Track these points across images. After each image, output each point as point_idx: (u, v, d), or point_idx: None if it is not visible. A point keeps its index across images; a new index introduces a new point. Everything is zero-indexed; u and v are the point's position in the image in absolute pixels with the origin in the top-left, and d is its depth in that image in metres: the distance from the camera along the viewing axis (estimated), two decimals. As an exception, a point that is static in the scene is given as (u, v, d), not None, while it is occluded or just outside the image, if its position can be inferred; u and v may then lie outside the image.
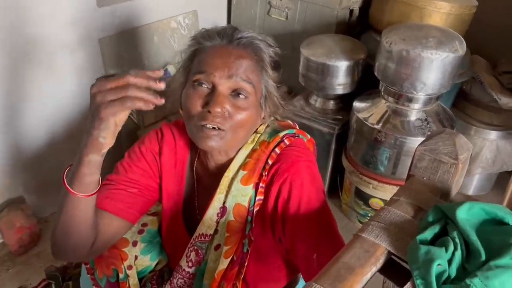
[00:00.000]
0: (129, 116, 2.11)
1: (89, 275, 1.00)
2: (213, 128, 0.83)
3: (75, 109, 1.86)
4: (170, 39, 2.10)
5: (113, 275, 0.95)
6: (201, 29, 0.91)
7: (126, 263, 0.96)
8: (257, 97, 0.87)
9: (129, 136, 2.03)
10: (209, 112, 0.82)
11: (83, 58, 1.79)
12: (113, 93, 0.68)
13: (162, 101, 0.71)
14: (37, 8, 1.57)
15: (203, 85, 0.84)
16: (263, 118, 0.93)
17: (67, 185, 0.75)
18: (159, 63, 2.09)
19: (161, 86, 0.71)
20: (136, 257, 0.99)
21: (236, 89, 0.84)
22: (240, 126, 0.86)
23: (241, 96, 0.84)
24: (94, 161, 0.72)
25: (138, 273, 1.00)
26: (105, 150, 0.73)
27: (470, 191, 2.26)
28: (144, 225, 1.02)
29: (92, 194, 0.76)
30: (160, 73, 0.73)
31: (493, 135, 2.07)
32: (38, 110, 1.74)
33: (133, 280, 0.98)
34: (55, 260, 1.72)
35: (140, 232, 1.01)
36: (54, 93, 1.76)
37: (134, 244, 0.99)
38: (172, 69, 2.12)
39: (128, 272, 0.95)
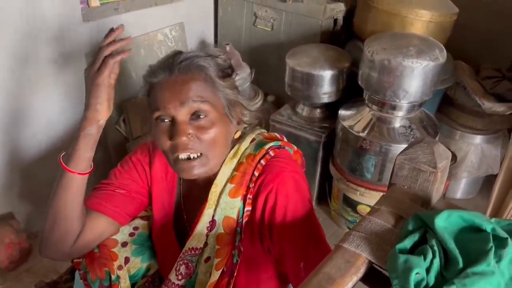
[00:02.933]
0: (117, 129, 2.12)
1: (82, 280, 1.00)
2: (188, 158, 0.86)
3: (63, 124, 1.86)
4: (157, 51, 2.11)
5: (106, 278, 0.96)
6: (148, 66, 0.95)
7: (116, 263, 0.96)
8: (218, 111, 0.89)
9: (118, 148, 2.04)
10: (177, 143, 0.85)
11: (69, 73, 1.79)
12: (97, 62, 0.82)
13: (130, 41, 0.87)
14: (22, 24, 1.57)
15: (165, 120, 0.87)
16: (238, 124, 0.95)
17: (62, 163, 0.85)
18: (147, 76, 2.10)
19: (121, 31, 0.86)
20: (128, 260, 0.99)
21: (194, 112, 0.86)
22: (213, 143, 0.88)
23: (201, 116, 0.87)
24: (91, 134, 0.84)
25: (131, 277, 1.00)
26: (102, 121, 0.85)
27: (458, 195, 2.29)
28: (136, 228, 1.03)
29: (85, 173, 0.87)
30: (120, 27, 0.87)
31: (477, 139, 2.11)
32: (26, 126, 1.73)
33: (125, 282, 0.98)
34: (46, 276, 1.71)
35: (131, 235, 1.02)
36: (42, 108, 1.76)
37: (124, 245, 0.99)
38: (159, 81, 2.13)
39: (119, 272, 0.96)
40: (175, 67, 0.88)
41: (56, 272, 1.70)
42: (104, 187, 0.98)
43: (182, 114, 0.86)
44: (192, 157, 0.87)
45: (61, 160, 0.86)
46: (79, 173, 0.86)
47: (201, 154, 0.87)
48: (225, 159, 0.94)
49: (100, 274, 0.94)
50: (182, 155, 0.86)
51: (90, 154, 0.86)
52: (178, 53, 0.92)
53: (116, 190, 0.97)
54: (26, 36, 1.60)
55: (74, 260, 0.98)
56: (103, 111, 0.84)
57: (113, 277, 0.96)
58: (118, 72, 0.86)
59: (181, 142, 0.85)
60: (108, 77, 0.83)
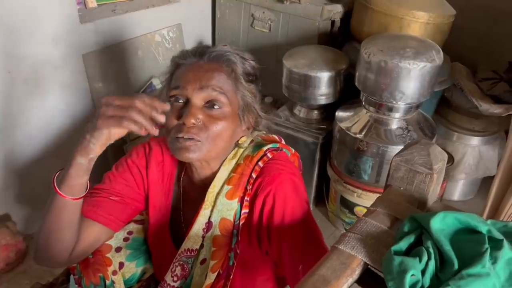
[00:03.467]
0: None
1: (77, 285, 1.00)
2: (188, 139, 0.85)
3: (60, 125, 1.85)
4: (154, 52, 2.11)
5: (101, 284, 0.96)
6: (180, 50, 0.95)
7: (110, 269, 0.96)
8: (233, 108, 0.89)
9: (115, 150, 2.03)
10: (184, 124, 0.84)
11: (67, 74, 1.79)
12: (116, 109, 0.74)
13: (157, 132, 0.76)
14: (19, 26, 1.57)
15: (179, 100, 0.87)
16: (247, 129, 0.95)
17: (56, 186, 0.80)
18: (144, 77, 2.10)
19: (162, 119, 0.75)
20: (122, 265, 0.99)
21: (209, 100, 0.87)
22: (217, 136, 0.88)
23: (215, 107, 0.87)
24: (81, 164, 0.78)
25: (126, 281, 1.00)
26: (92, 156, 0.78)
27: (455, 197, 2.29)
28: (130, 233, 1.03)
29: (78, 198, 0.81)
30: (167, 107, 0.77)
31: (475, 140, 2.11)
32: (23, 127, 1.73)
33: (119, 286, 0.98)
34: (42, 278, 1.70)
35: (126, 239, 1.01)
36: (39, 110, 1.75)
37: (118, 250, 0.99)
38: (157, 82, 2.13)
39: (113, 278, 0.96)
40: (206, 54, 0.90)
41: (52, 274, 1.69)
42: (97, 194, 0.96)
43: (198, 98, 0.86)
44: (190, 139, 0.86)
45: (55, 182, 0.81)
46: (72, 198, 0.81)
47: (199, 140, 0.86)
48: (224, 160, 0.94)
49: (94, 279, 0.94)
50: (183, 135, 0.85)
51: (82, 181, 0.80)
52: (210, 46, 0.94)
53: (110, 197, 0.96)
54: (22, 36, 1.60)
55: (69, 266, 0.98)
56: (94, 150, 0.77)
57: (107, 282, 0.96)
58: (118, 136, 0.77)
59: (189, 124, 0.84)
60: (109, 129, 0.74)
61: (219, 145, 0.89)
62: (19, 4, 1.54)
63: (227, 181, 0.92)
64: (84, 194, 0.82)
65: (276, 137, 1.02)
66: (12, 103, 1.66)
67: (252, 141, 0.98)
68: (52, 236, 0.85)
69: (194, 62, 0.90)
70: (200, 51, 0.91)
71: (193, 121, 0.84)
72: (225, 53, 0.91)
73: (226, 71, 0.90)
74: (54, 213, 0.82)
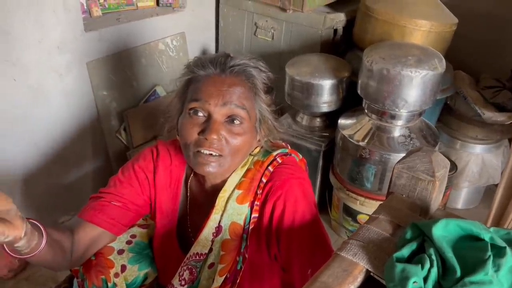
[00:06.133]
0: (118, 137, 2.12)
1: None
2: (210, 154, 0.86)
3: (64, 133, 1.86)
4: (158, 60, 2.12)
5: (103, 286, 0.96)
6: (195, 57, 0.95)
7: (112, 271, 0.96)
8: (251, 121, 0.91)
9: (119, 157, 2.04)
10: (206, 139, 0.85)
11: (71, 82, 1.80)
12: None
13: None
14: (25, 33, 1.59)
15: (199, 114, 0.87)
16: (258, 140, 0.96)
17: (10, 253, 0.74)
18: (148, 85, 2.11)
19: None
20: (124, 267, 0.99)
21: (230, 115, 0.87)
22: (237, 151, 0.89)
23: (236, 122, 0.88)
24: (20, 246, 0.71)
25: (128, 285, 1.00)
26: (19, 237, 0.68)
27: (459, 205, 2.28)
28: (133, 236, 1.04)
29: (39, 251, 0.75)
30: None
31: (478, 149, 2.11)
32: (27, 134, 1.74)
33: None
34: (44, 284, 1.71)
35: (128, 242, 1.02)
36: (43, 117, 1.77)
37: (120, 252, 0.99)
38: (160, 90, 2.14)
39: (115, 280, 0.96)
40: (228, 67, 0.89)
41: (54, 281, 1.70)
42: (100, 197, 0.97)
43: (220, 114, 0.87)
44: (213, 155, 0.87)
45: (5, 247, 0.73)
46: (32, 255, 0.75)
47: (221, 155, 0.87)
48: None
49: (96, 282, 0.94)
50: (206, 151, 0.86)
51: (34, 243, 0.73)
52: (229, 55, 0.93)
53: (112, 202, 0.96)
54: (28, 44, 1.61)
55: (72, 268, 0.98)
56: (14, 239, 0.68)
57: (109, 284, 0.96)
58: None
59: (211, 140, 0.85)
60: None
61: (239, 158, 0.92)
62: (25, 12, 1.56)
63: (238, 185, 0.93)
64: (42, 246, 0.76)
65: (283, 143, 1.03)
66: (17, 111, 1.67)
67: (261, 147, 0.99)
68: (44, 265, 0.85)
69: (215, 75, 0.89)
70: (221, 63, 0.90)
71: (215, 137, 0.85)
72: (247, 67, 0.91)
73: (247, 85, 0.90)
74: (32, 261, 0.79)
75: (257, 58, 0.96)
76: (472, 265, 0.59)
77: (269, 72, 0.96)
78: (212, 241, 0.93)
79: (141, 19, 1.99)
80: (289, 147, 1.04)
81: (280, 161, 0.95)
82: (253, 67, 0.92)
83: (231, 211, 0.92)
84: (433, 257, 0.61)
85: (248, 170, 0.95)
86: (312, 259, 0.86)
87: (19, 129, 1.70)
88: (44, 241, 0.76)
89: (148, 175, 1.00)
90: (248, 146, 0.92)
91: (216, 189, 0.95)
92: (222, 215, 0.92)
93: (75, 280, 1.02)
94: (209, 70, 0.90)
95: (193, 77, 0.91)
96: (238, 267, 0.90)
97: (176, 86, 0.97)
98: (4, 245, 0.73)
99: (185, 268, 0.95)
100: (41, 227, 0.77)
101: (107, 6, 1.97)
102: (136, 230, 1.05)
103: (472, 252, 0.61)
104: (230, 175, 0.94)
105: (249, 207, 0.91)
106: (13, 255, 0.75)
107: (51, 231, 0.81)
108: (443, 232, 0.64)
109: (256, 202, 0.91)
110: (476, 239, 0.63)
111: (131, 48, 1.99)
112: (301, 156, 1.04)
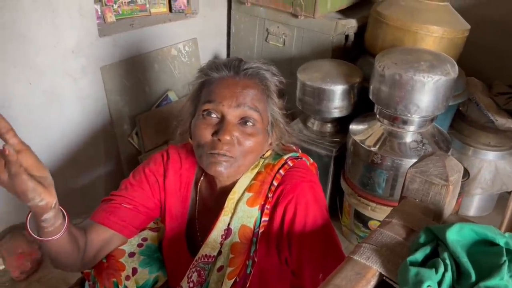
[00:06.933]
0: (130, 142, 2.13)
1: None
2: (223, 154, 0.87)
3: (77, 136, 1.89)
4: (170, 66, 2.15)
5: None
6: (208, 60, 0.96)
7: (123, 274, 0.97)
8: (263, 124, 0.91)
9: (130, 161, 2.06)
10: (219, 140, 0.86)
11: (85, 86, 1.83)
12: None
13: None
14: (41, 38, 1.62)
15: (212, 115, 0.88)
16: (270, 144, 0.96)
17: (32, 233, 0.77)
18: (160, 90, 2.13)
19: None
20: (135, 270, 1.00)
21: (243, 117, 0.88)
22: (249, 152, 0.90)
23: (248, 123, 0.89)
24: (48, 218, 0.73)
25: None
26: (51, 205, 0.71)
27: (471, 212, 2.25)
28: (144, 239, 1.04)
29: (60, 236, 0.78)
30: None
31: (491, 155, 2.08)
32: (41, 137, 1.77)
33: None
34: (56, 287, 1.72)
35: (140, 245, 1.02)
36: (58, 121, 1.79)
37: (131, 255, 1.00)
38: (172, 95, 2.16)
39: (126, 283, 0.96)
40: (241, 70, 0.91)
41: (66, 283, 1.71)
42: (112, 200, 0.98)
43: (234, 116, 0.88)
44: (225, 155, 0.88)
45: (29, 226, 0.77)
46: (53, 239, 0.77)
47: (232, 156, 0.88)
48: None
49: (108, 284, 0.95)
50: (219, 152, 0.87)
51: (57, 224, 0.76)
52: (242, 59, 0.95)
53: (123, 204, 0.97)
54: (44, 48, 1.64)
55: (84, 271, 0.99)
56: (46, 204, 0.71)
57: (120, 287, 0.96)
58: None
59: (224, 141, 0.86)
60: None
61: (250, 160, 0.92)
62: (41, 17, 1.59)
63: (248, 188, 0.93)
64: (64, 230, 0.78)
65: (294, 147, 1.04)
66: (31, 114, 1.70)
67: (272, 150, 1.00)
68: (56, 259, 0.87)
69: (229, 77, 0.91)
70: (234, 66, 0.92)
71: (228, 138, 0.86)
72: (260, 70, 0.92)
73: (260, 88, 0.91)
74: (47, 249, 0.82)
75: (269, 63, 0.97)
76: (487, 270, 0.59)
77: (281, 77, 0.97)
78: (221, 244, 0.93)
79: (154, 25, 2.02)
80: (300, 151, 1.04)
81: (291, 165, 0.95)
82: (266, 70, 0.94)
83: (241, 214, 0.92)
84: (447, 261, 0.61)
85: (258, 173, 0.95)
86: (323, 264, 0.86)
87: (33, 132, 1.73)
88: (66, 225, 0.78)
89: (158, 179, 1.01)
90: (260, 148, 0.93)
91: (226, 192, 0.95)
92: (231, 218, 0.93)
93: (86, 283, 1.03)
94: (223, 73, 0.91)
95: (206, 79, 0.93)
96: (248, 271, 0.90)
97: (189, 91, 0.98)
98: (29, 226, 0.76)
99: (193, 270, 0.95)
100: (63, 211, 0.79)
101: (121, 12, 2.00)
102: (147, 233, 1.06)
103: (487, 257, 0.61)
104: (240, 177, 0.95)
105: (259, 210, 0.91)
106: (36, 236, 0.76)
107: (71, 225, 0.83)
108: (457, 236, 0.64)
109: (266, 206, 0.91)
110: (491, 244, 0.63)
111: (144, 54, 2.01)
112: (312, 160, 1.04)
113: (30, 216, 0.76)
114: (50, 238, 0.77)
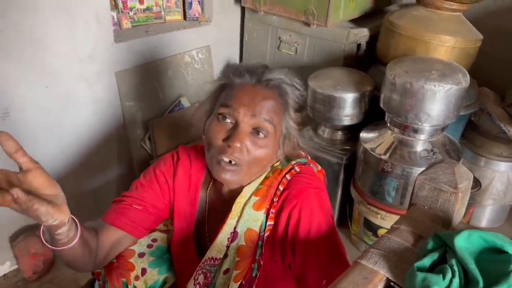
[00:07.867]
0: (142, 146, 2.15)
1: None
2: (230, 162, 0.88)
3: (91, 140, 1.92)
4: (184, 72, 2.18)
5: None
6: (233, 63, 0.97)
7: (133, 274, 0.98)
8: (276, 136, 0.92)
9: (142, 165, 2.08)
10: (229, 146, 0.86)
11: (100, 91, 1.86)
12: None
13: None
14: (58, 43, 1.66)
15: (227, 120, 0.89)
16: (280, 155, 0.97)
17: (46, 243, 0.78)
18: (173, 96, 2.16)
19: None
20: (145, 271, 1.01)
21: (257, 127, 0.88)
22: (257, 162, 0.90)
23: (261, 134, 0.89)
24: (61, 232, 0.76)
25: None
26: (64, 222, 0.73)
27: (483, 224, 2.23)
28: (154, 240, 1.05)
29: (73, 244, 0.79)
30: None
31: (503, 166, 2.06)
32: (55, 140, 1.80)
33: None
34: (67, 287, 1.74)
35: (149, 246, 1.03)
36: (71, 124, 1.82)
37: (141, 255, 1.01)
38: (185, 101, 2.19)
39: (136, 283, 0.98)
40: (263, 79, 0.91)
41: (77, 284, 1.73)
42: (122, 201, 0.99)
43: (247, 124, 0.88)
44: (232, 163, 0.89)
45: (42, 236, 0.78)
46: (67, 248, 0.79)
47: (239, 164, 0.89)
48: None
49: (117, 284, 0.96)
50: (226, 158, 0.88)
51: (71, 235, 0.78)
52: (267, 66, 0.94)
53: (133, 205, 0.98)
54: (61, 53, 1.68)
55: (94, 271, 1.01)
56: (59, 221, 0.73)
57: (130, 287, 0.97)
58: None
59: (234, 148, 0.87)
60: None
61: (256, 169, 0.93)
62: (60, 22, 1.63)
63: (255, 192, 0.94)
64: (77, 239, 0.80)
65: (303, 153, 1.04)
66: (47, 118, 1.73)
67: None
68: (70, 262, 0.89)
69: (250, 84, 0.90)
70: (258, 74, 0.91)
71: (238, 145, 0.87)
72: (281, 83, 0.92)
73: (279, 101, 0.91)
74: (61, 255, 0.83)
75: (294, 73, 0.96)
76: (495, 277, 0.59)
77: (304, 91, 0.96)
78: (228, 247, 0.94)
79: (168, 32, 2.05)
80: (309, 157, 1.04)
81: (298, 170, 0.96)
82: (289, 84, 0.93)
83: (247, 217, 0.93)
84: (455, 267, 0.61)
85: (266, 177, 0.96)
86: (327, 270, 0.86)
87: (48, 135, 1.76)
88: (79, 234, 0.80)
89: (168, 179, 1.03)
90: (268, 159, 0.93)
91: (234, 195, 0.96)
92: (238, 221, 0.93)
93: (96, 283, 1.05)
94: (245, 79, 0.91)
95: (228, 82, 0.93)
96: (253, 274, 0.91)
97: (204, 94, 0.99)
98: (43, 236, 0.78)
99: (200, 272, 0.96)
100: (76, 221, 0.81)
101: (136, 19, 2.04)
102: (157, 234, 1.07)
103: (495, 265, 0.61)
104: (249, 182, 0.96)
105: (265, 214, 0.92)
106: (50, 246, 0.78)
107: (83, 229, 0.85)
108: (465, 243, 0.64)
109: (272, 210, 0.92)
110: (499, 251, 0.63)
111: (158, 60, 2.04)
112: (319, 167, 1.04)
113: (44, 228, 0.77)
114: (64, 248, 0.79)
